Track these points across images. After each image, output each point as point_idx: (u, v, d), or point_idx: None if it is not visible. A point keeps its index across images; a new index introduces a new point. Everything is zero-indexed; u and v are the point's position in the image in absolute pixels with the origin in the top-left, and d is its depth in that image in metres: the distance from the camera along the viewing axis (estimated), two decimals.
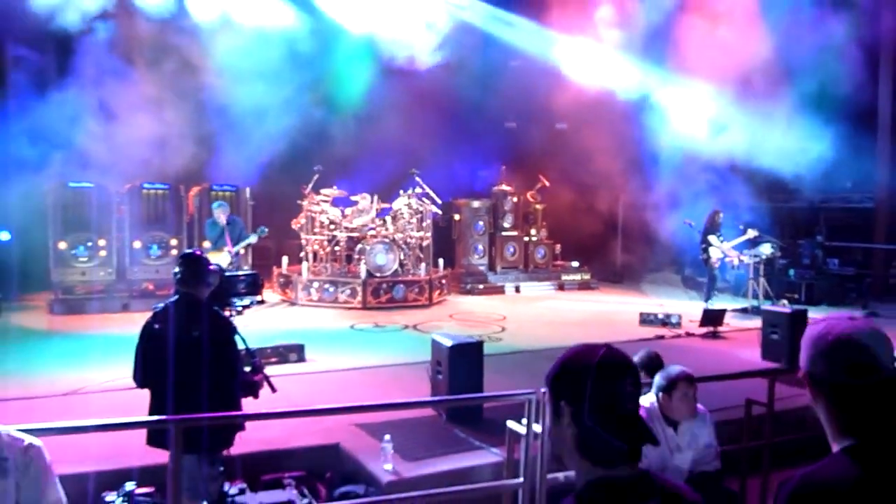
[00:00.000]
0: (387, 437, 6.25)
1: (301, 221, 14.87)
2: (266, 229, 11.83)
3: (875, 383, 1.82)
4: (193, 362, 4.49)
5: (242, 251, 12.01)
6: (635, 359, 4.95)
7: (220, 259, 11.14)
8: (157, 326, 4.67)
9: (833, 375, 1.85)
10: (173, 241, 13.59)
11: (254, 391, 4.99)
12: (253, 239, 11.76)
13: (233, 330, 4.81)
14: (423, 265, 14.94)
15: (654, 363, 5.39)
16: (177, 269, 4.81)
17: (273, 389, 5.16)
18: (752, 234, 14.19)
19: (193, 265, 4.76)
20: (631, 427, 1.77)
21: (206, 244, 11.67)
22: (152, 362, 4.62)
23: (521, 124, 18.16)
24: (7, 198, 12.46)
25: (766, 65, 14.55)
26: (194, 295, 4.71)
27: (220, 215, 11.68)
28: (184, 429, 4.24)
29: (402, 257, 14.52)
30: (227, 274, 5.39)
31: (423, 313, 13.47)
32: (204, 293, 4.74)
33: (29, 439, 3.40)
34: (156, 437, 4.73)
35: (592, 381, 1.77)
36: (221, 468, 5.02)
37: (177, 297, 4.76)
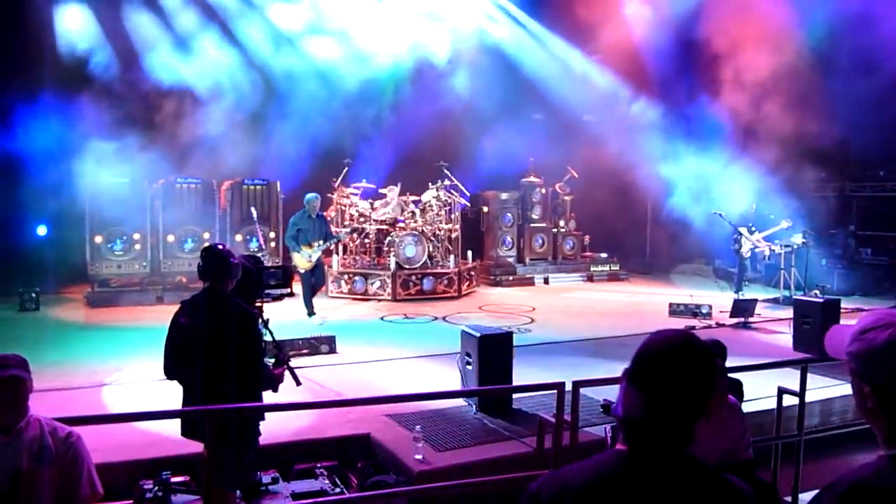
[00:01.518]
0: (417, 427, 6.26)
1: (331, 214, 14.87)
2: (348, 231, 12.25)
3: None
4: (217, 355, 4.52)
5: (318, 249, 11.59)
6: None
7: (311, 254, 11.17)
8: (182, 320, 4.69)
9: (890, 381, 1.80)
10: (206, 235, 13.65)
11: (272, 385, 4.97)
12: (343, 236, 12.09)
13: (257, 322, 4.82)
14: (451, 257, 14.94)
15: (718, 349, 5.35)
16: (200, 263, 4.84)
17: (297, 382, 5.14)
18: (785, 224, 14.02)
19: (214, 258, 4.77)
20: None
21: (294, 249, 11.41)
22: (179, 355, 4.66)
23: (547, 116, 18.07)
24: (44, 193, 12.70)
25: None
26: (218, 288, 4.72)
27: (316, 207, 11.68)
28: (219, 420, 4.31)
29: (430, 249, 14.53)
30: (259, 267, 5.36)
31: (453, 305, 13.48)
32: (228, 286, 4.74)
33: (68, 429, 3.49)
34: (190, 428, 4.77)
35: None
36: (252, 457, 5.04)
37: (203, 290, 4.79)
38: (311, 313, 11.24)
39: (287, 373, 5.11)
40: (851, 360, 1.88)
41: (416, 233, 14.41)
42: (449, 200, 15.14)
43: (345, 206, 14.82)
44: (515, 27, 17.74)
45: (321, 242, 11.43)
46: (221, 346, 4.53)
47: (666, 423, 1.88)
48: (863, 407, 1.86)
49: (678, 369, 1.88)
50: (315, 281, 11.30)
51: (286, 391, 5.14)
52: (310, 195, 11.68)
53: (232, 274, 4.74)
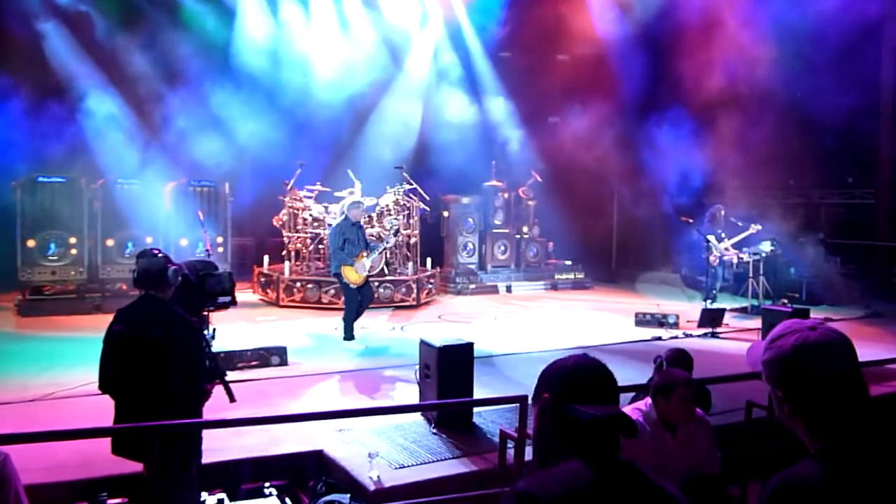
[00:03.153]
0: (373, 443, 6.20)
1: (283, 218, 14.79)
2: (394, 235, 11.83)
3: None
4: (154, 366, 4.44)
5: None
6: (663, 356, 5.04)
7: (364, 265, 10.75)
8: (115, 328, 4.60)
9: (798, 383, 2.01)
10: (148, 239, 13.37)
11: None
12: (391, 243, 11.70)
13: (197, 333, 4.73)
14: (410, 264, 14.88)
15: (684, 360, 5.37)
16: (134, 270, 4.76)
17: (231, 399, 5.02)
18: (755, 228, 14.22)
19: (149, 265, 4.70)
20: None
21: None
22: (111, 366, 4.56)
23: (514, 114, 18.29)
24: None
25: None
26: (153, 295, 4.66)
27: (359, 216, 11.18)
28: (160, 436, 4.20)
29: (388, 256, 14.42)
30: (203, 273, 5.24)
31: (411, 314, 13.44)
32: (165, 293, 4.68)
33: None
34: (124, 445, 4.65)
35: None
36: (195, 477, 4.94)
37: (139, 298, 4.72)
38: (350, 336, 10.67)
39: (222, 388, 4.99)
40: (765, 368, 2.06)
41: (374, 238, 14.29)
42: (408, 205, 15.10)
43: (297, 209, 14.67)
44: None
45: (368, 253, 10.94)
46: (159, 357, 4.43)
47: None
48: (780, 411, 2.03)
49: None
50: (362, 298, 10.76)
51: (231, 405, 5.05)
52: (351, 201, 11.37)
53: (169, 281, 4.65)
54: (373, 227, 14.52)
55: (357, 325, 10.89)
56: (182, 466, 4.61)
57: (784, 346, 2.02)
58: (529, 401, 4.48)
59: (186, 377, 4.51)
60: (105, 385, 4.61)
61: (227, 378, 5.12)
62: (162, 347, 4.46)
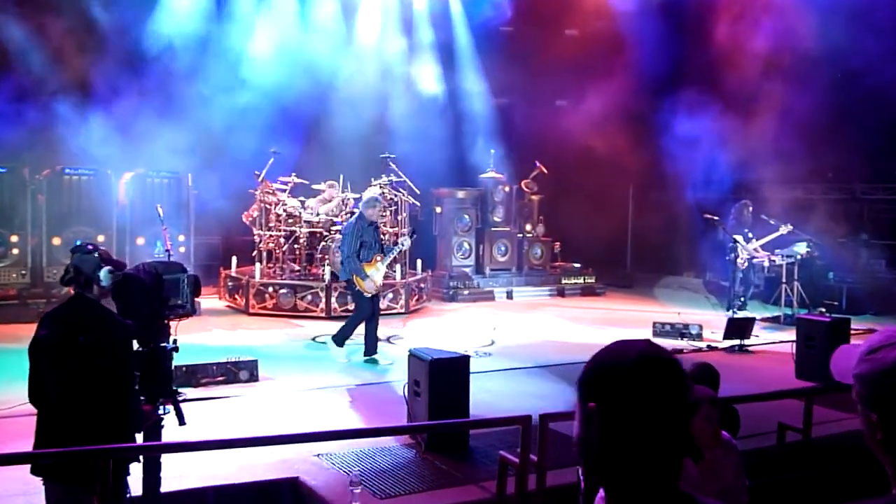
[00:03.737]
0: (355, 470, 6.19)
1: (253, 214, 14.69)
2: (412, 236, 11.74)
3: None
4: (82, 374, 4.39)
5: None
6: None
7: (379, 271, 10.73)
8: (41, 333, 4.54)
9: None
10: (100, 238, 13.17)
11: (135, 424, 4.77)
12: (407, 245, 11.67)
13: (129, 336, 4.68)
14: (398, 267, 14.82)
15: (708, 376, 5.34)
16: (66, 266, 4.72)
17: (181, 421, 4.91)
18: (785, 229, 14.13)
19: (77, 260, 4.67)
20: None
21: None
22: (39, 376, 4.50)
23: (514, 101, 18.21)
24: None
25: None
26: (82, 294, 4.63)
27: (376, 215, 11.08)
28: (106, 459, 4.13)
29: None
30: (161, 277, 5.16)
31: (399, 323, 13.39)
32: (95, 291, 4.63)
33: None
34: (42, 466, 4.57)
35: None
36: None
37: (67, 299, 4.70)
38: (372, 353, 10.61)
39: (172, 409, 4.91)
40: (858, 383, 1.86)
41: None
42: (395, 199, 15.02)
43: (269, 203, 14.57)
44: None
45: (382, 257, 10.86)
46: (89, 364, 4.39)
47: (640, 454, 1.79)
48: (871, 438, 1.84)
49: (638, 380, 1.82)
50: (374, 310, 10.73)
51: (197, 426, 5.00)
52: (370, 193, 11.23)
53: (100, 282, 4.60)
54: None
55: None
56: (101, 492, 4.52)
57: (887, 359, 1.81)
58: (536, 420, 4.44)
59: (118, 389, 4.48)
60: (35, 398, 4.55)
61: (187, 396, 5.08)
62: (93, 353, 4.41)
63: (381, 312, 13.30)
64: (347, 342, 10.80)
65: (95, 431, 4.36)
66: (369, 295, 10.51)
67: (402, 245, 11.48)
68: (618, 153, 16.49)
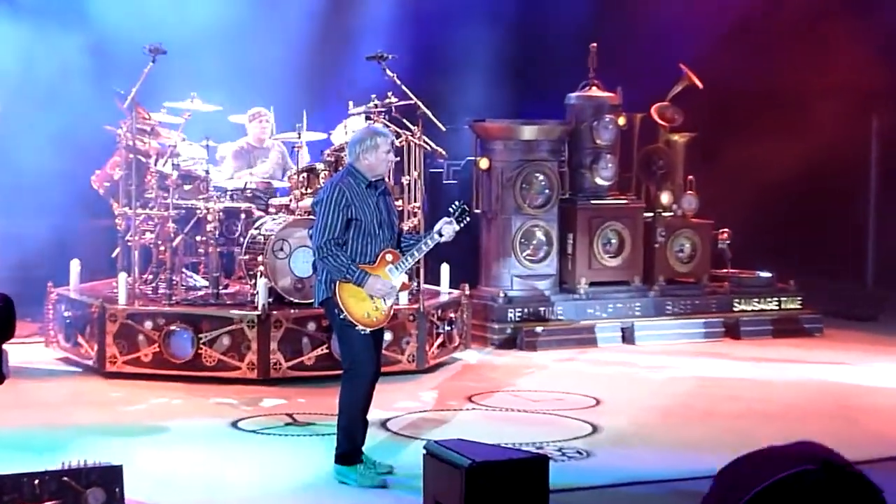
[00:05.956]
0: None
1: (114, 174, 10.92)
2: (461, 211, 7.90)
3: None
4: None
5: None
6: None
7: (393, 283, 7.81)
8: None
9: None
10: None
11: None
12: (449, 233, 7.90)
13: None
14: (404, 277, 10.10)
15: None
16: None
17: None
18: None
19: None
20: None
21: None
22: None
23: None
24: None
25: None
26: None
27: (380, 165, 7.99)
28: None
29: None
30: None
31: (408, 391, 10.14)
32: None
33: None
34: None
35: None
36: None
37: None
38: (353, 458, 7.46)
39: None
40: None
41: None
42: (399, 145, 10.67)
43: (145, 153, 10.93)
44: None
45: (398, 256, 7.60)
46: None
47: None
48: None
49: None
50: (376, 360, 7.66)
51: None
52: (366, 130, 8.18)
53: None
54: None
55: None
56: None
57: None
58: None
59: None
60: None
61: None
62: None
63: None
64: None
65: None
66: (367, 331, 7.23)
67: (442, 234, 7.64)
68: (848, 70, 12.91)
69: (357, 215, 7.13)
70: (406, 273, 7.72)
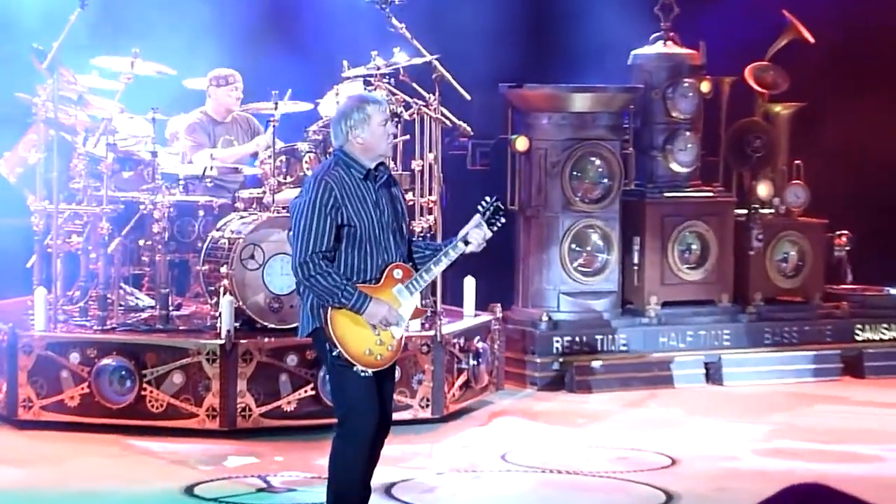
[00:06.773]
0: None
1: (26, 154, 10.09)
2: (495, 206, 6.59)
3: None
4: None
5: None
6: None
7: (403, 310, 6.74)
8: None
9: None
10: None
11: None
12: (478, 240, 6.67)
13: None
14: (415, 296, 8.26)
15: None
16: None
17: None
18: None
19: None
20: None
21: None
22: None
23: None
24: None
25: None
26: None
27: (380, 142, 6.88)
28: None
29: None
30: None
31: (420, 446, 8.92)
32: None
33: None
34: None
35: None
36: None
37: None
38: None
39: None
40: None
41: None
42: (409, 118, 9.62)
43: (70, 128, 9.79)
44: None
45: (409, 272, 6.18)
46: None
47: None
48: None
49: None
50: (384, 413, 6.16)
51: None
52: (360, 99, 6.40)
53: None
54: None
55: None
56: None
57: None
58: None
59: None
60: None
61: None
62: None
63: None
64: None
65: None
66: (368, 372, 5.90)
67: (468, 241, 6.00)
68: None
69: (351, 219, 5.77)
70: (420, 294, 6.44)
